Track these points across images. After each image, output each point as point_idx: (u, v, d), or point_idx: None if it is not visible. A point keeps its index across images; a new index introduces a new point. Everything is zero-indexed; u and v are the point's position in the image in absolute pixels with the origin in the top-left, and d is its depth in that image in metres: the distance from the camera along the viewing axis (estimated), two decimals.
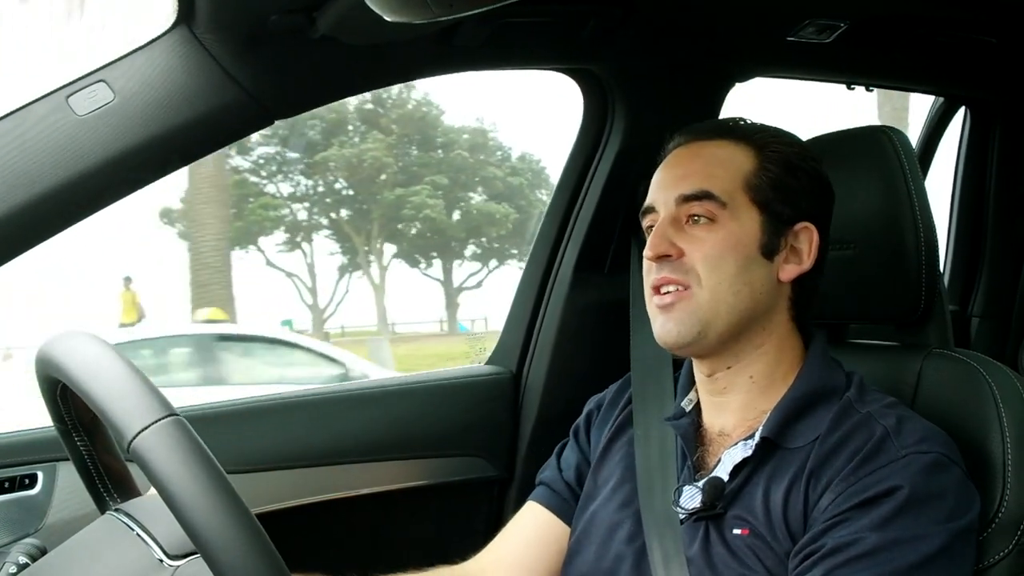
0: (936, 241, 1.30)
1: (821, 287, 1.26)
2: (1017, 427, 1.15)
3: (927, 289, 1.29)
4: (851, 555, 1.03)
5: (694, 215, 1.20)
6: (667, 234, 1.20)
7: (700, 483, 1.19)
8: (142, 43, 1.27)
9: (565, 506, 1.38)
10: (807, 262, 1.22)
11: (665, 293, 1.20)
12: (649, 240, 1.22)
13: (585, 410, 1.46)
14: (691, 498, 1.19)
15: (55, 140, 1.20)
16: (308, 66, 1.37)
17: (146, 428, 0.76)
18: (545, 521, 1.38)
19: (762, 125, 1.28)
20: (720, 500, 1.16)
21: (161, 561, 0.88)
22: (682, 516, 1.20)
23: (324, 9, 1.24)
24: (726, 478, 1.18)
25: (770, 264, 1.20)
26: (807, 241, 1.21)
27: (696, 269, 1.18)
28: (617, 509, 1.29)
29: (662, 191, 1.24)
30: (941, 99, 2.48)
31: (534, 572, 1.35)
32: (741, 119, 1.29)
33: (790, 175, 1.21)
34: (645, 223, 1.27)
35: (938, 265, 1.31)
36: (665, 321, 1.20)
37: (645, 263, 1.23)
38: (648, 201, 1.26)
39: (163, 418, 0.77)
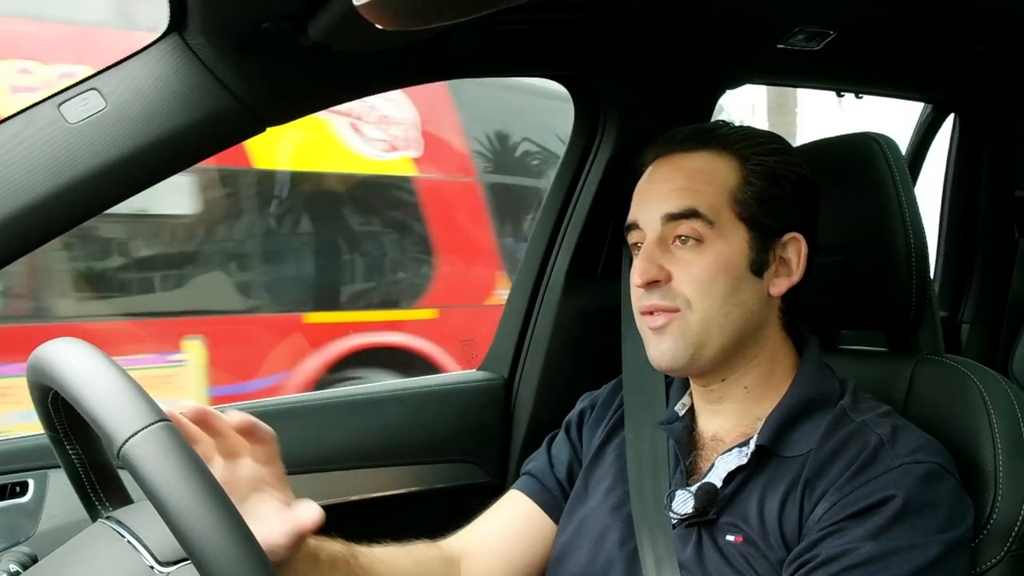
0: (926, 247, 1.30)
1: (811, 293, 1.25)
2: (1008, 433, 1.16)
3: (918, 295, 1.29)
4: (845, 565, 1.02)
5: (681, 236, 1.18)
6: (654, 257, 1.18)
7: (693, 488, 1.18)
8: (134, 51, 1.27)
9: (553, 502, 1.36)
10: (797, 274, 1.21)
11: (655, 315, 1.19)
12: (636, 264, 1.20)
13: (578, 406, 1.45)
14: (683, 503, 1.18)
15: (47, 148, 1.20)
16: (300, 73, 1.37)
17: (136, 433, 0.75)
18: (531, 514, 1.36)
19: (743, 130, 1.25)
20: (713, 506, 1.15)
21: (152, 568, 0.88)
22: (674, 521, 1.19)
23: (316, 16, 1.23)
24: (719, 484, 1.17)
25: (760, 281, 1.19)
26: (795, 252, 1.20)
27: (685, 294, 1.17)
28: (609, 513, 1.28)
29: (646, 208, 1.22)
30: (930, 106, 2.50)
31: (515, 564, 1.33)
32: (720, 124, 1.27)
33: (775, 186, 1.19)
34: (630, 239, 1.25)
35: (928, 271, 1.31)
36: (659, 343, 1.19)
37: (632, 285, 1.22)
38: (631, 218, 1.24)
39: (153, 423, 0.76)
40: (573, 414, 1.45)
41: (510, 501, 1.40)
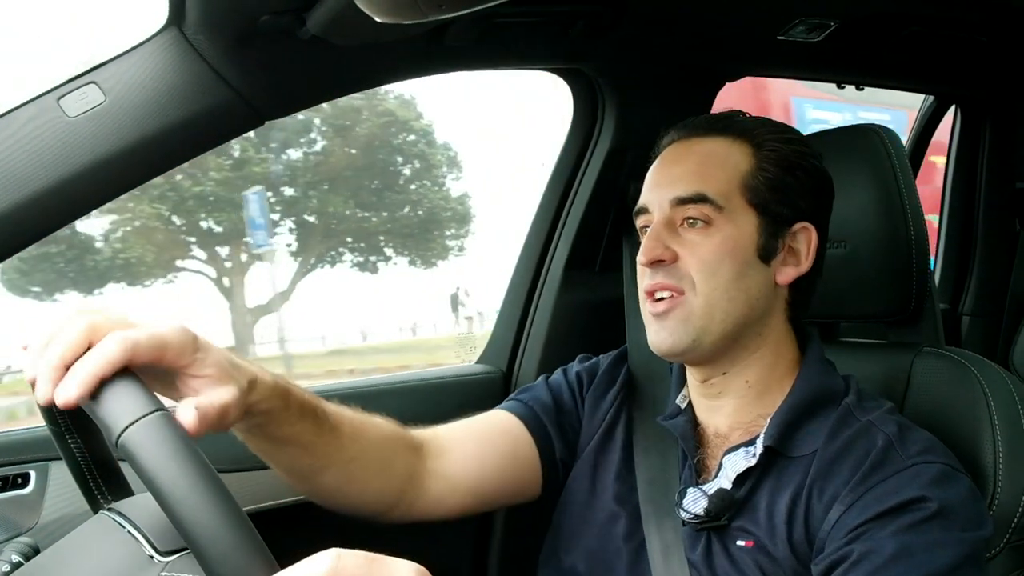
0: (927, 239, 1.30)
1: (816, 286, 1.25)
2: (1008, 425, 1.16)
3: (918, 287, 1.29)
4: (878, 562, 0.99)
5: (689, 218, 1.17)
6: (661, 237, 1.17)
7: (707, 488, 1.16)
8: (133, 44, 1.27)
9: (543, 433, 1.32)
10: (805, 264, 1.19)
11: (659, 300, 1.17)
12: (643, 244, 1.18)
13: (575, 369, 1.40)
14: (694, 502, 1.17)
15: (46, 141, 1.20)
16: (298, 67, 1.37)
17: (134, 423, 0.76)
18: (519, 437, 1.31)
19: (760, 119, 1.24)
20: (727, 512, 1.13)
21: (151, 558, 0.88)
22: (684, 518, 1.17)
23: (314, 10, 1.24)
24: (729, 486, 1.15)
25: (767, 268, 1.17)
26: (805, 242, 1.19)
27: (691, 275, 1.15)
28: (614, 500, 1.26)
29: (656, 191, 1.21)
30: (932, 97, 2.50)
31: (488, 479, 1.28)
32: (738, 113, 1.25)
33: (789, 174, 1.18)
34: (639, 223, 1.24)
35: (929, 263, 1.31)
36: (659, 329, 1.18)
37: (639, 266, 1.20)
38: (641, 201, 1.23)
39: (151, 413, 0.77)
40: (581, 373, 1.39)
41: (499, 418, 1.34)
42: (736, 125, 1.22)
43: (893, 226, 1.29)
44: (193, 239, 17.40)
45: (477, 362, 1.98)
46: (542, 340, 1.84)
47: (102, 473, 1.06)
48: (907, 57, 2.01)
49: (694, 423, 1.25)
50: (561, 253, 1.85)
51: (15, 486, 1.44)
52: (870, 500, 1.03)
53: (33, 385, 0.84)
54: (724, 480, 1.16)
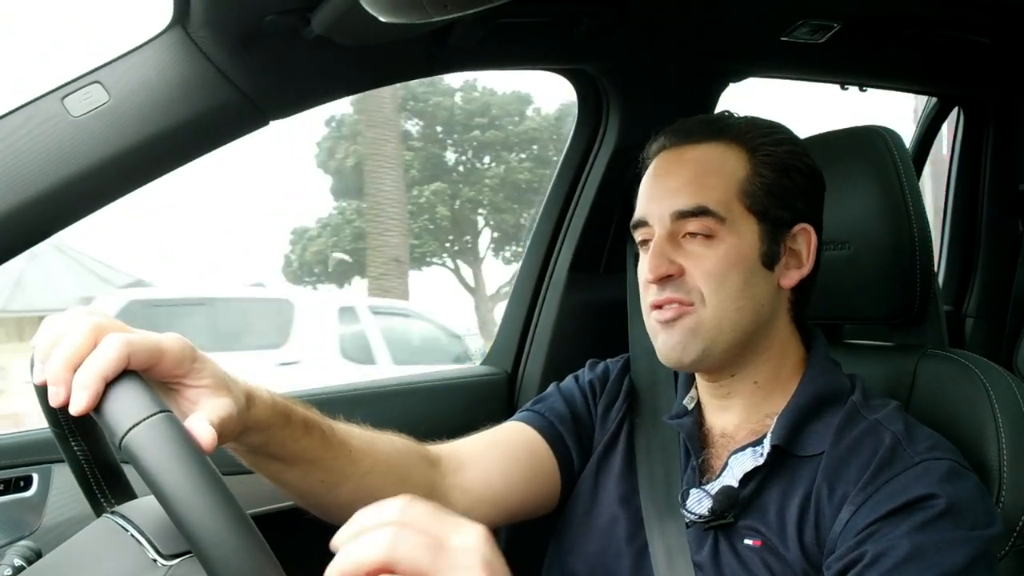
0: (931, 241, 1.29)
1: (817, 285, 1.24)
2: (1012, 428, 1.15)
3: (922, 289, 1.29)
4: (888, 565, 0.98)
5: (691, 231, 1.16)
6: (665, 252, 1.16)
7: (710, 488, 1.16)
8: (137, 44, 1.27)
9: (560, 443, 1.31)
10: (807, 265, 1.19)
11: (667, 308, 1.16)
12: (647, 260, 1.17)
13: (589, 375, 1.39)
14: (698, 502, 1.16)
15: (50, 141, 1.20)
16: (303, 67, 1.37)
17: (137, 424, 0.75)
18: (538, 448, 1.30)
19: (750, 121, 1.22)
20: (733, 510, 1.13)
21: (155, 561, 0.88)
22: (688, 519, 1.17)
23: (319, 10, 1.24)
24: (736, 485, 1.14)
25: (771, 273, 1.17)
26: (805, 243, 1.19)
27: (699, 287, 1.14)
28: (616, 503, 1.26)
29: (655, 204, 1.20)
30: (935, 99, 2.49)
31: (514, 491, 1.27)
32: (727, 114, 1.25)
33: (785, 177, 1.17)
34: (638, 236, 1.23)
35: (933, 265, 1.31)
36: (667, 338, 1.17)
37: (642, 281, 1.19)
38: (640, 214, 1.22)
39: (154, 414, 0.76)
40: (594, 381, 1.37)
41: (518, 430, 1.32)
42: (727, 129, 1.21)
43: (897, 228, 1.29)
44: (457, 236, 19.29)
45: (482, 363, 1.97)
46: (547, 342, 1.83)
47: (105, 476, 1.05)
48: (910, 58, 2.01)
49: (700, 424, 1.25)
50: (566, 255, 1.85)
51: (17, 489, 1.43)
52: (880, 499, 1.03)
53: (43, 388, 0.84)
54: (730, 479, 1.16)
